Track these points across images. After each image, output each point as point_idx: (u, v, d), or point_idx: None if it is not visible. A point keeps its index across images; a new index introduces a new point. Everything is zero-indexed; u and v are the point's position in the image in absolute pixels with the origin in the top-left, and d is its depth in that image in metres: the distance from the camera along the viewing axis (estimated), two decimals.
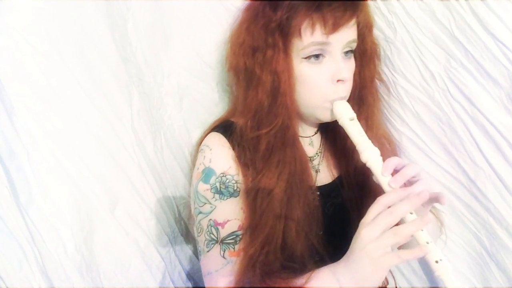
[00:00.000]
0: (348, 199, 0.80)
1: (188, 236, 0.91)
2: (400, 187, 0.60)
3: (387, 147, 0.82)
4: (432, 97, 0.78)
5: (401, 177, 0.60)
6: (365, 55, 0.76)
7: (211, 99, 0.89)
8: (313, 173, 0.79)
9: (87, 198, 0.69)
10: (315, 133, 0.83)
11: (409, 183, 0.61)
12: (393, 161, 0.61)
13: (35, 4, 0.64)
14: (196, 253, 0.91)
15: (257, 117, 0.70)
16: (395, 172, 0.61)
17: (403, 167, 0.61)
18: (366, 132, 0.67)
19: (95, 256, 0.70)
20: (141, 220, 0.78)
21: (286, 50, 0.68)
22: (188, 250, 0.91)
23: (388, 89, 0.84)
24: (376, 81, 0.81)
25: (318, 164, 0.81)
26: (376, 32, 0.81)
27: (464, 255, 0.83)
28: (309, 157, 0.80)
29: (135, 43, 0.78)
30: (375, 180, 0.63)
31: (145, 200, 0.79)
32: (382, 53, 0.82)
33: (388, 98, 0.84)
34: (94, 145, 0.71)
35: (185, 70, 0.85)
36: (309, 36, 0.66)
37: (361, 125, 0.68)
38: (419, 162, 0.83)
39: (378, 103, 0.82)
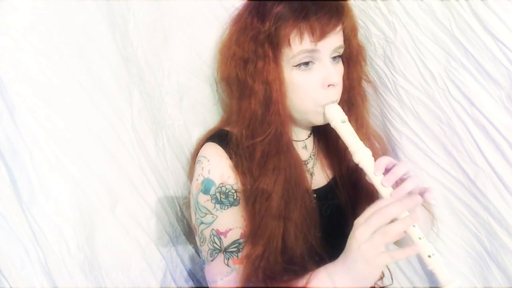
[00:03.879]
0: (343, 200, 0.82)
1: (190, 235, 0.91)
2: (392, 185, 0.62)
3: (376, 145, 0.85)
4: (432, 97, 0.78)
5: (393, 176, 0.62)
6: (351, 58, 0.78)
7: (210, 98, 0.89)
8: (308, 176, 0.80)
9: (88, 197, 0.70)
10: (308, 137, 0.84)
11: (400, 181, 0.63)
12: (384, 161, 0.64)
13: (35, 4, 0.64)
14: (198, 252, 0.92)
15: (251, 126, 0.72)
16: (386, 171, 0.63)
17: (393, 165, 0.64)
18: (357, 132, 0.69)
19: (97, 255, 0.70)
20: (141, 219, 0.79)
21: (276, 59, 0.70)
22: (190, 249, 0.92)
23: (375, 89, 0.86)
24: (364, 82, 0.83)
25: (313, 167, 0.83)
26: (376, 32, 0.81)
27: (464, 255, 0.83)
28: (304, 160, 0.81)
29: (136, 43, 0.78)
30: (368, 179, 0.65)
31: (145, 199, 0.80)
32: (382, 53, 0.82)
33: (388, 98, 0.85)
34: (95, 144, 0.72)
35: (184, 69, 0.86)
36: (298, 45, 0.68)
37: (352, 125, 0.70)
38: (419, 162, 0.83)
39: (366, 104, 0.85)
